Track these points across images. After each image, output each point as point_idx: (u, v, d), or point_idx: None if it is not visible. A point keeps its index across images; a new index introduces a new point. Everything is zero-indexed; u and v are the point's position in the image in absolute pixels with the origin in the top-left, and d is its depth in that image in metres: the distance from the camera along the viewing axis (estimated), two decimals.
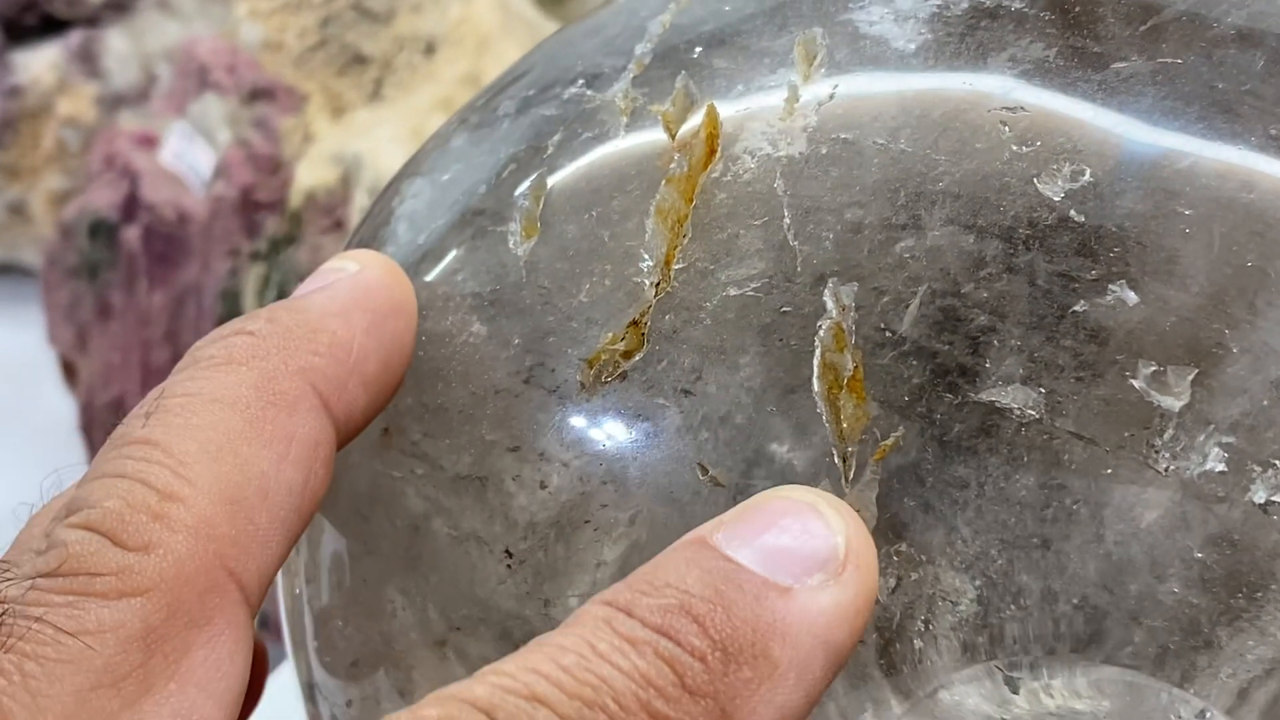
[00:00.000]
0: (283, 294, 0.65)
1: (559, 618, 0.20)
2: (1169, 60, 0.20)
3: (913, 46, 0.21)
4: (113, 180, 0.75)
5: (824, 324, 0.19)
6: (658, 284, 0.20)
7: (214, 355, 0.20)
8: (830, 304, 0.19)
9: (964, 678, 0.19)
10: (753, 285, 0.20)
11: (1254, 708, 0.18)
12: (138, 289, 0.74)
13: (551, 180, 0.22)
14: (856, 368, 0.19)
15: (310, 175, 0.65)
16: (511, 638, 0.20)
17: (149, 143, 0.75)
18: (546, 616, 0.20)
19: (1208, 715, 0.18)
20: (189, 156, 0.72)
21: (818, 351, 0.19)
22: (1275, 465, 0.17)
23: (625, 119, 0.22)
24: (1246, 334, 0.18)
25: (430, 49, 0.68)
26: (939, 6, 0.21)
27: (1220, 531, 0.18)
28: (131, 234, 0.73)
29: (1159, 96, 0.19)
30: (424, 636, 0.21)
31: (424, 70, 0.66)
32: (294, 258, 0.65)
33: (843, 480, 0.19)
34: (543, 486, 0.20)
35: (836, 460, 0.19)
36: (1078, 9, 0.20)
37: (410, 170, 0.24)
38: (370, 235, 0.24)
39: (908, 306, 0.19)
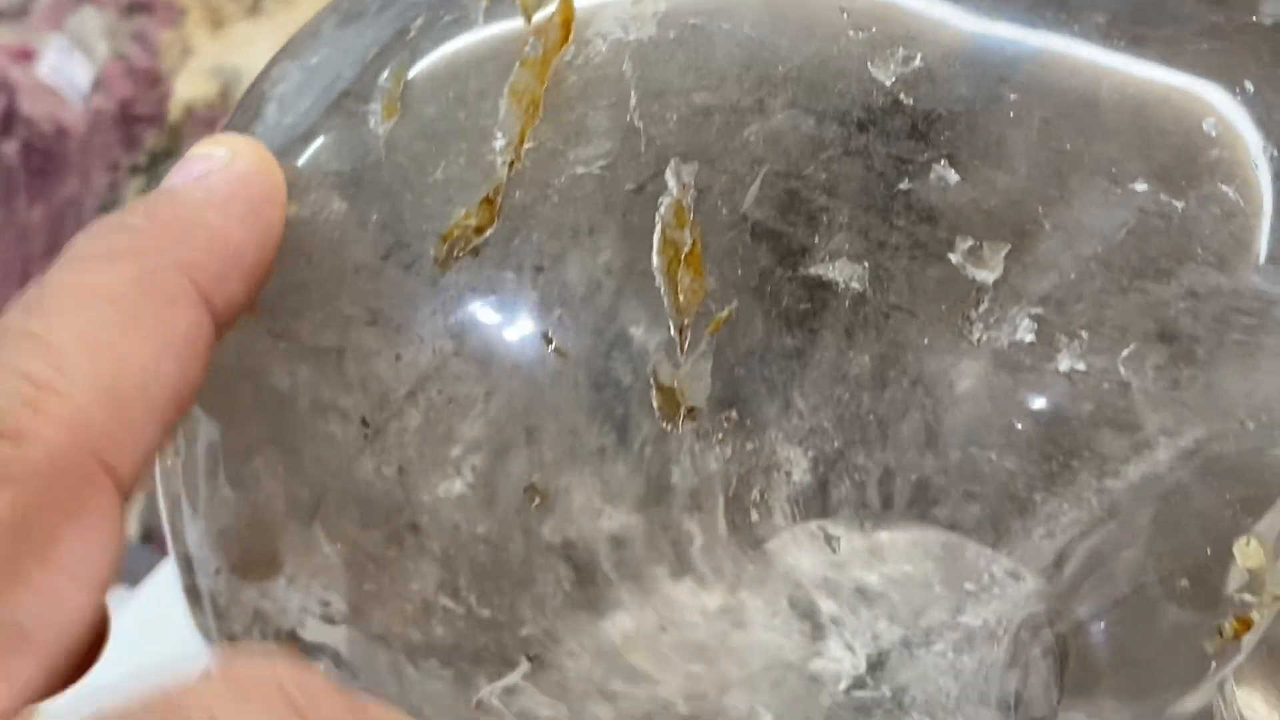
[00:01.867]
0: None
1: (415, 487, 0.21)
2: None
3: None
4: None
5: (665, 201, 0.20)
6: (510, 162, 0.21)
7: (94, 250, 0.20)
8: (671, 182, 0.20)
9: (794, 538, 0.19)
10: (599, 164, 0.20)
11: (1068, 568, 0.19)
12: (16, 204, 0.73)
13: (413, 63, 0.22)
14: (694, 243, 0.20)
15: (189, 89, 0.64)
16: (373, 508, 0.21)
17: (26, 56, 0.73)
18: (402, 485, 0.21)
19: (1020, 575, 0.19)
20: (67, 70, 0.70)
21: (658, 228, 0.20)
22: (1081, 336, 0.18)
23: (485, 4, 0.22)
24: (1060, 212, 0.19)
25: None
26: None
27: (1033, 400, 0.19)
28: (9, 148, 0.72)
29: None
30: (290, 507, 0.22)
31: None
32: None
33: (678, 351, 0.20)
34: (398, 359, 0.21)
35: (673, 332, 0.20)
36: None
37: (281, 55, 0.25)
38: (242, 119, 0.24)
39: (749, 187, 0.20)
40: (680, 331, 0.20)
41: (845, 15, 0.20)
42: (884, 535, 0.19)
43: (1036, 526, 0.19)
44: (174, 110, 0.65)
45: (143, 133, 0.67)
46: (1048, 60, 0.19)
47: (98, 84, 0.69)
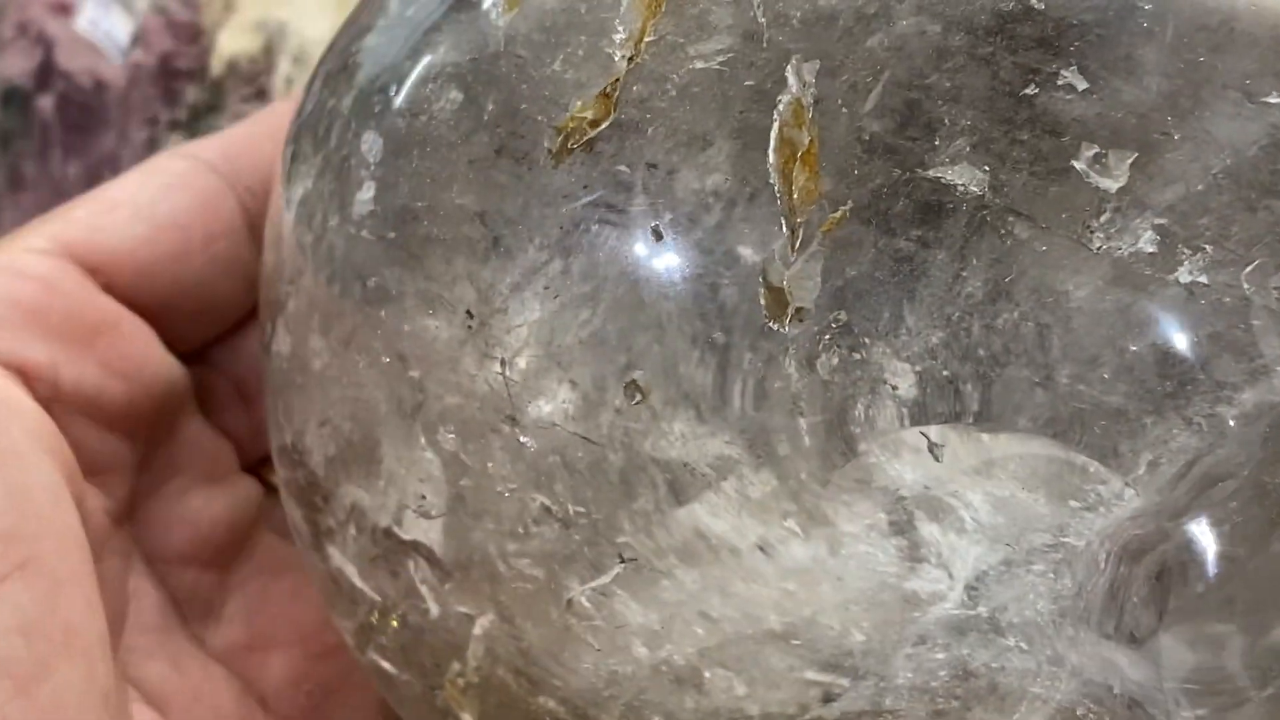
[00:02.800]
0: None
1: (516, 385, 0.20)
2: None
3: None
4: (26, 48, 0.73)
5: (784, 99, 0.20)
6: (630, 57, 0.20)
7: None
8: (792, 80, 0.20)
9: (895, 447, 0.19)
10: (719, 60, 0.20)
11: (1178, 490, 0.19)
12: (51, 159, 0.73)
13: None
14: (812, 142, 0.19)
15: (232, 43, 0.64)
16: (472, 402, 0.21)
17: (64, 10, 0.73)
18: (503, 377, 0.21)
19: (1127, 495, 0.19)
20: (105, 24, 0.70)
21: (775, 125, 0.20)
22: (1204, 249, 0.18)
23: None
24: (1189, 123, 0.19)
25: None
26: None
27: (1151, 315, 0.18)
28: (45, 103, 0.72)
29: None
30: (392, 402, 0.22)
31: None
32: (215, 126, 0.64)
33: (790, 250, 0.19)
34: (506, 252, 0.21)
35: (784, 230, 0.19)
36: None
37: None
38: (366, 13, 0.24)
39: (870, 92, 0.19)
40: (793, 231, 0.19)
41: None
42: (988, 447, 0.19)
43: (1146, 449, 0.18)
44: (216, 65, 0.65)
45: (183, 87, 0.66)
46: None
47: (137, 38, 0.69)
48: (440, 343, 0.21)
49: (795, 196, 0.19)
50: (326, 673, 0.30)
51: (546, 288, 0.20)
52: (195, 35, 0.66)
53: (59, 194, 0.72)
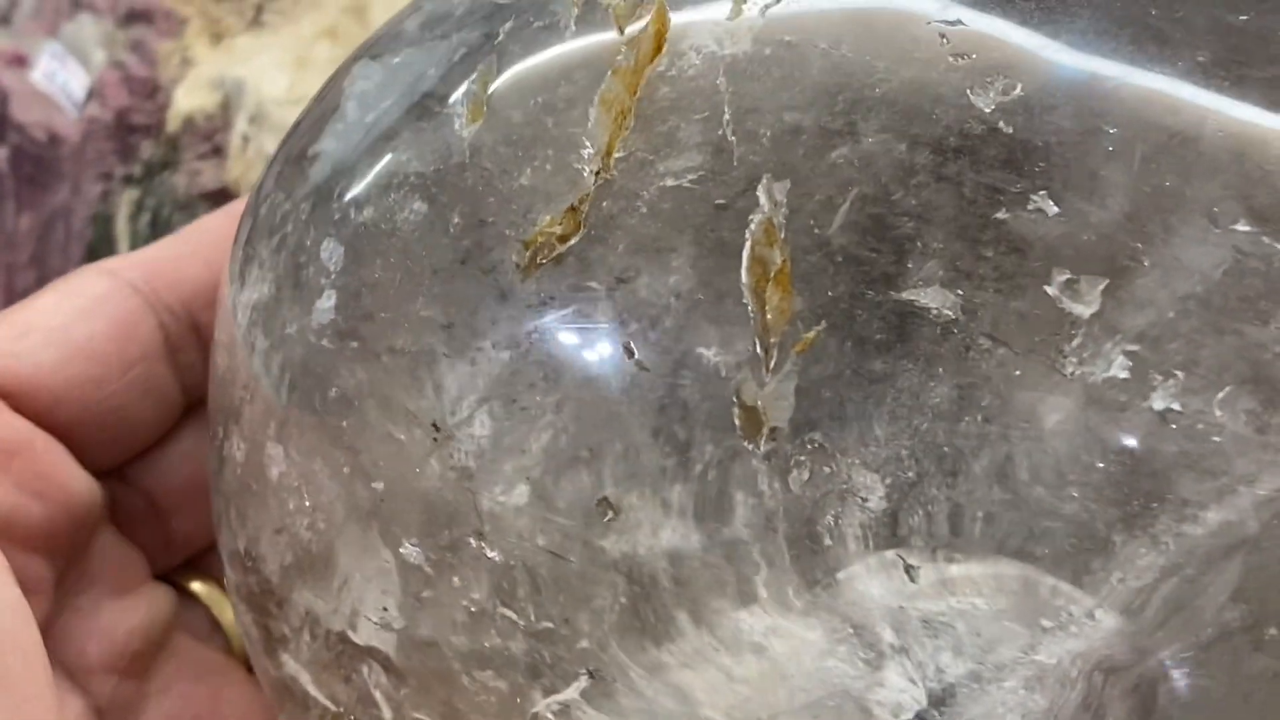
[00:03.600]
0: (156, 219, 0.64)
1: (480, 494, 0.20)
2: None
3: None
4: None
5: (755, 218, 0.20)
6: (598, 171, 0.20)
7: None
8: (763, 199, 0.20)
9: (866, 566, 0.19)
10: (689, 177, 0.20)
11: (1149, 611, 0.19)
12: (4, 211, 0.72)
13: (501, 67, 0.22)
14: (784, 261, 0.19)
15: (189, 99, 0.64)
16: (435, 514, 0.21)
17: (20, 62, 0.73)
18: (469, 492, 0.20)
19: (1097, 614, 0.19)
20: (61, 77, 0.70)
21: (748, 244, 0.20)
22: (1176, 375, 0.18)
23: (576, 10, 0.22)
24: (1159, 249, 0.18)
25: None
26: None
27: (1119, 438, 0.18)
28: None
29: (1093, 19, 0.20)
30: (350, 510, 0.22)
31: None
32: (170, 182, 0.64)
33: (764, 370, 0.19)
34: (473, 364, 0.20)
35: (759, 350, 0.19)
36: None
37: (361, 53, 0.24)
38: (320, 116, 0.24)
39: (838, 209, 0.19)
40: (766, 351, 0.19)
41: (945, 41, 0.20)
42: (958, 567, 0.19)
43: (1116, 568, 0.18)
44: (172, 121, 0.65)
45: (139, 143, 0.66)
46: (1148, 97, 0.19)
47: (93, 92, 0.68)
48: (404, 454, 0.21)
49: (769, 316, 0.19)
50: None
51: (514, 400, 0.20)
52: (152, 91, 0.66)
53: (10, 246, 0.71)
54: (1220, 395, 0.18)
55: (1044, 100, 0.19)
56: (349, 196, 0.22)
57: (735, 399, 0.19)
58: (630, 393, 0.20)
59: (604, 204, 0.20)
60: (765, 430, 0.19)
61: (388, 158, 0.22)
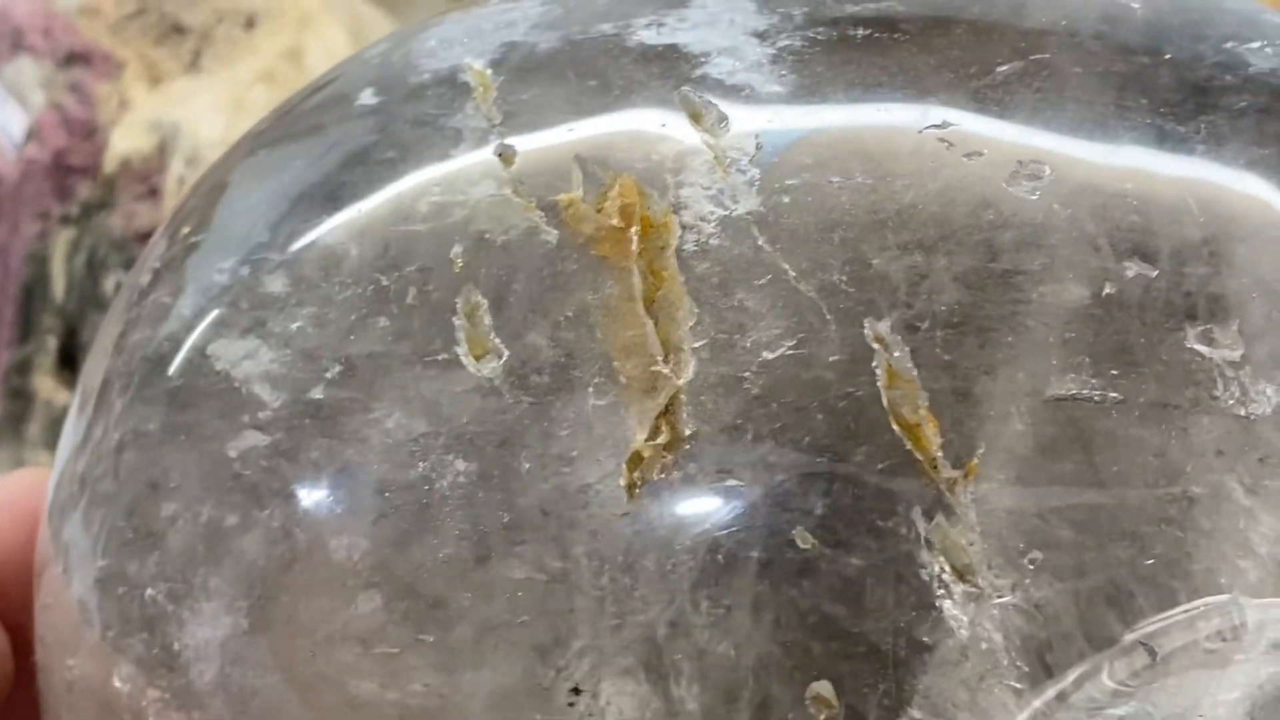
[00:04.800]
0: (92, 259, 0.64)
1: None
2: (1037, 56, 0.20)
3: (784, 89, 0.21)
4: None
5: (877, 365, 0.19)
6: (673, 368, 0.19)
7: None
8: (874, 343, 0.19)
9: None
10: (788, 345, 0.19)
11: None
12: None
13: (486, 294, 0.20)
14: (921, 404, 0.19)
15: (126, 141, 0.64)
16: None
17: None
18: None
19: None
20: (1, 117, 0.70)
21: (883, 394, 0.19)
22: None
23: (539, 215, 0.20)
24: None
25: (250, 23, 0.68)
26: (775, 48, 0.21)
27: None
28: None
29: (1046, 95, 0.20)
30: None
31: (244, 43, 0.66)
32: (106, 223, 0.65)
33: (951, 509, 0.18)
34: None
35: (943, 490, 0.18)
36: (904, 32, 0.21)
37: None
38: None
39: (939, 325, 0.19)
40: (950, 488, 0.18)
41: (949, 145, 0.20)
42: None
43: None
44: (109, 163, 0.65)
45: (76, 183, 0.66)
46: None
47: (32, 133, 0.69)
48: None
49: (935, 454, 0.18)
50: None
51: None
52: (90, 132, 0.66)
53: None
54: None
55: (1071, 172, 0.19)
56: None
57: (929, 545, 0.18)
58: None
59: (702, 398, 0.19)
60: (972, 564, 0.18)
61: (373, 426, 0.20)
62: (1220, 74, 0.20)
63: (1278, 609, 0.18)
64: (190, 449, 0.20)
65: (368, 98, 0.22)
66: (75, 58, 0.69)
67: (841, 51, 0.21)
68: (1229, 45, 0.21)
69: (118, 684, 0.21)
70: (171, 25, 0.69)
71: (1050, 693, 0.18)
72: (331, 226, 0.21)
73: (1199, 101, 0.20)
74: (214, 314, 0.21)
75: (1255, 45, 0.21)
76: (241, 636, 0.20)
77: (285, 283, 0.21)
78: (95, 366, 0.23)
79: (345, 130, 0.22)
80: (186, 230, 0.23)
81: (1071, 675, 0.18)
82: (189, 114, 0.63)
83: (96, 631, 0.21)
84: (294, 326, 0.20)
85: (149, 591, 0.20)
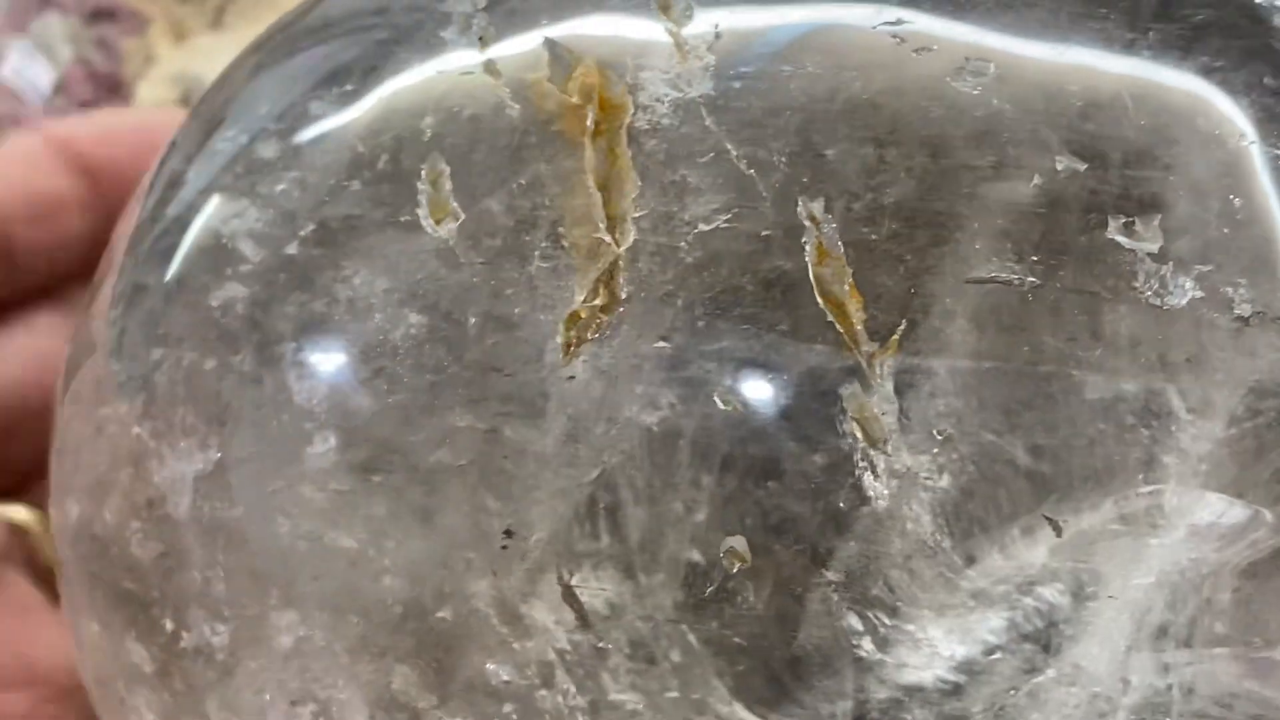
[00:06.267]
0: None
1: None
2: None
3: None
4: None
5: (806, 241, 0.19)
6: (615, 237, 0.20)
7: None
8: (805, 220, 0.19)
9: None
10: (723, 219, 0.19)
11: None
12: None
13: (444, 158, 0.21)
14: (851, 282, 0.19)
15: (151, 93, 0.65)
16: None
17: None
18: None
19: None
20: (29, 72, 0.71)
21: (810, 267, 0.19)
22: None
23: (506, 91, 0.21)
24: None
25: None
26: None
27: None
28: None
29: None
30: None
31: (267, 0, 0.67)
32: None
33: (870, 380, 0.19)
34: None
35: (859, 360, 0.19)
36: None
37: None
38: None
39: (879, 209, 0.19)
40: (869, 362, 0.19)
41: (901, 41, 0.20)
42: None
43: None
44: None
45: None
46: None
47: (59, 87, 0.70)
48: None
49: (856, 327, 0.19)
50: (57, 716, 0.29)
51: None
52: (116, 86, 0.67)
53: None
54: None
55: (1013, 71, 0.20)
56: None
57: (844, 413, 0.19)
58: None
59: (638, 264, 0.19)
60: (885, 435, 0.19)
61: (346, 286, 0.21)
62: None
63: (1195, 495, 0.18)
64: (179, 299, 0.22)
65: None
66: (101, 13, 0.70)
67: None
68: None
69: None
70: None
71: (960, 565, 0.19)
72: (324, 101, 0.22)
73: (1156, 11, 0.20)
74: (214, 178, 0.23)
75: None
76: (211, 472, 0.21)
77: (276, 149, 0.22)
78: (124, 228, 0.25)
79: (354, 19, 0.23)
80: (203, 109, 0.25)
81: (982, 549, 0.19)
82: (212, 67, 0.64)
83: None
84: (279, 189, 0.22)
85: (135, 430, 0.22)
